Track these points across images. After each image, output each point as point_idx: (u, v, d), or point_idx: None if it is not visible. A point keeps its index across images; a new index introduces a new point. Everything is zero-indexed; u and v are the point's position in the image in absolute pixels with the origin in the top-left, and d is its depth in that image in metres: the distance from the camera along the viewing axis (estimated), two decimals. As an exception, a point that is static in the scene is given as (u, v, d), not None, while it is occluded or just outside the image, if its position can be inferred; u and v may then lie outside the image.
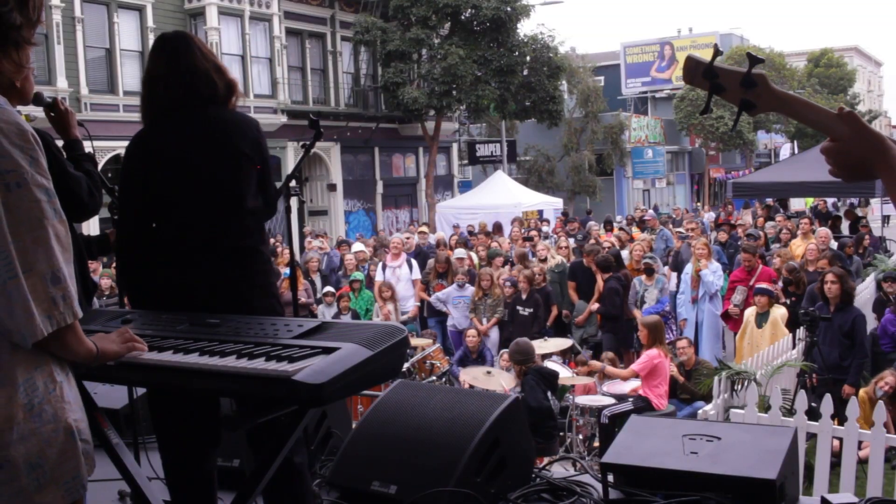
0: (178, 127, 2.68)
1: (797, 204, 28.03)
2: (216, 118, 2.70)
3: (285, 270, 10.06)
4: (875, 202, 25.54)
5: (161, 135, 2.70)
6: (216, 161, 2.65)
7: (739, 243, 13.00)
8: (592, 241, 12.61)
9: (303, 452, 2.80)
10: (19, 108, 2.04)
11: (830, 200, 27.93)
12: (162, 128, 2.72)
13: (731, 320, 10.13)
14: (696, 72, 1.74)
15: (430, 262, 12.04)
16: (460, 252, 12.42)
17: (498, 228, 16.64)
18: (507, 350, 8.52)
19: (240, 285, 2.64)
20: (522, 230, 15.88)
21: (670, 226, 18.17)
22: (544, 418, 6.87)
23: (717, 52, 1.72)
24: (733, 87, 1.71)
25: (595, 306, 10.37)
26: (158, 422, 2.71)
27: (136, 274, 2.73)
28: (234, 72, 20.15)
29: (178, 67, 2.69)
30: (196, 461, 2.68)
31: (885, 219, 21.90)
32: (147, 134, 2.76)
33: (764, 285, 9.05)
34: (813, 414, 5.79)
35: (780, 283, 9.37)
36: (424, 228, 16.85)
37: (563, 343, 8.83)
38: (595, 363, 8.50)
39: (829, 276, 7.61)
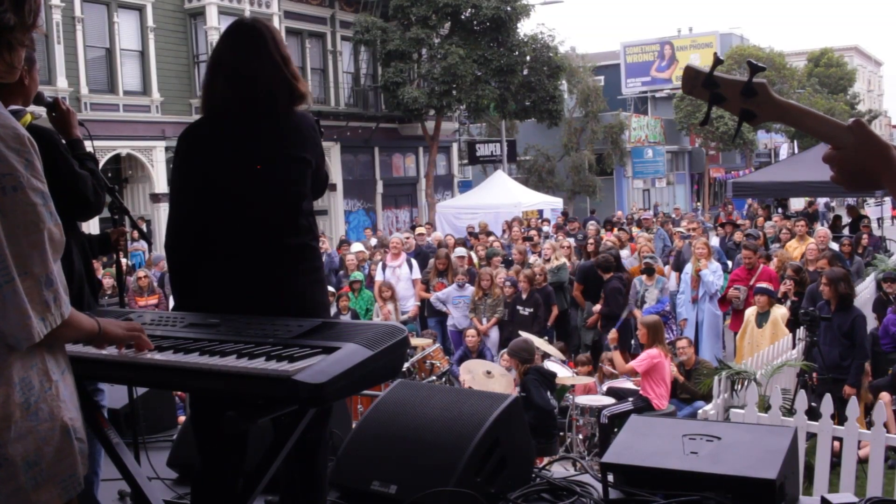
0: (240, 126, 2.62)
1: (797, 204, 28.04)
2: (280, 120, 2.65)
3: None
4: (871, 202, 25.53)
5: (218, 131, 2.64)
6: (279, 164, 2.63)
7: (732, 242, 13.04)
8: (591, 241, 12.57)
9: (317, 429, 2.75)
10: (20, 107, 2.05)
11: (822, 201, 27.98)
12: (220, 123, 2.65)
13: (732, 320, 10.13)
14: (696, 82, 1.71)
15: (431, 261, 12.04)
16: (460, 251, 12.41)
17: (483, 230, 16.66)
18: (505, 350, 8.52)
19: (299, 280, 2.64)
20: (522, 230, 15.88)
21: (669, 225, 18.18)
22: (547, 417, 6.87)
23: (717, 62, 1.68)
24: (734, 97, 1.68)
25: (597, 307, 10.37)
26: (199, 427, 2.68)
27: (190, 272, 2.68)
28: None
29: (245, 63, 2.62)
30: (227, 467, 2.65)
31: (878, 221, 21.93)
32: (203, 128, 2.69)
33: (764, 285, 9.05)
34: (813, 414, 5.79)
35: (790, 282, 9.34)
36: (422, 229, 16.84)
37: (560, 354, 8.82)
38: (616, 354, 8.33)
39: (823, 279, 7.65)
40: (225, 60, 2.67)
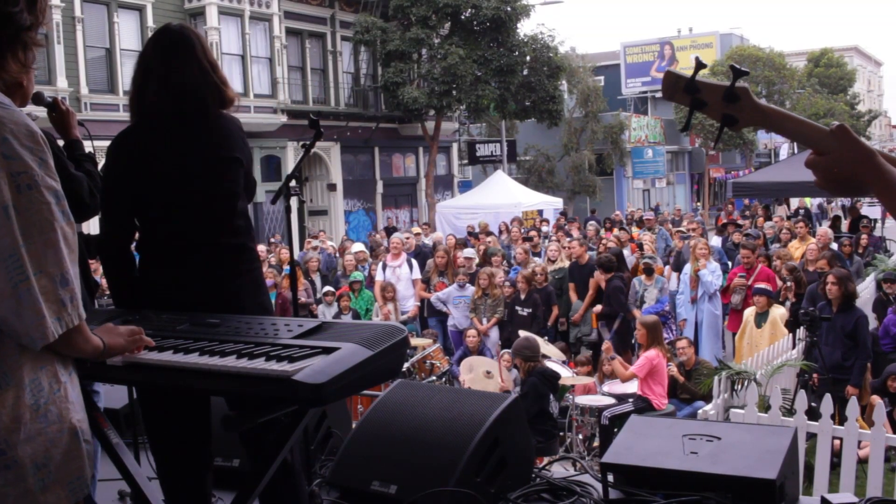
0: (168, 130, 2.65)
1: (797, 204, 28.06)
2: (210, 123, 2.69)
3: (285, 268, 10.05)
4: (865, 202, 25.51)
5: (150, 136, 2.67)
6: (212, 165, 2.66)
7: (731, 243, 13.02)
8: (574, 243, 12.49)
9: (297, 451, 2.81)
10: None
11: (815, 202, 27.98)
12: (151, 129, 2.69)
13: (730, 320, 10.12)
14: (677, 87, 1.67)
15: (430, 262, 12.02)
16: (469, 252, 12.38)
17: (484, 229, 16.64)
18: (507, 350, 8.51)
19: (232, 282, 2.66)
20: (522, 230, 15.86)
21: (669, 225, 18.17)
22: (543, 420, 6.87)
23: (699, 66, 1.64)
24: (715, 102, 1.65)
25: (597, 308, 10.36)
26: (150, 421, 2.70)
27: (124, 274, 2.74)
28: (234, 72, 20.20)
29: (176, 70, 2.65)
30: (188, 460, 2.67)
31: (874, 222, 21.86)
32: (134, 134, 2.72)
33: (763, 285, 9.05)
34: (813, 414, 5.79)
35: (790, 283, 9.34)
36: (419, 229, 16.82)
37: (560, 354, 8.80)
38: (616, 363, 8.35)
39: (830, 278, 7.59)
40: (155, 67, 2.69)
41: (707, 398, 7.28)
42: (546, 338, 9.49)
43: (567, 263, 11.48)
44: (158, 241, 2.68)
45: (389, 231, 18.25)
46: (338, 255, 14.12)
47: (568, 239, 13.61)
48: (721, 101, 1.65)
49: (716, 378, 6.54)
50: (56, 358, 1.82)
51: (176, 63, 2.66)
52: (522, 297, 10.16)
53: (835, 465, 5.70)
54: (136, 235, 2.77)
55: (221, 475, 3.35)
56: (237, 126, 2.78)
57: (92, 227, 13.96)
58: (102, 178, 2.79)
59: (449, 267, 11.50)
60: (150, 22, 19.74)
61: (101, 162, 2.91)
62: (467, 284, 10.75)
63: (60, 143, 3.21)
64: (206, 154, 2.66)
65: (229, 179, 2.69)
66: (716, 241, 14.43)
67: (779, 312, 8.71)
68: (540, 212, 22.36)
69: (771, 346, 7.84)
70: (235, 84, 19.04)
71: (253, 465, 2.42)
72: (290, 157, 21.55)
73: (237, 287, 2.66)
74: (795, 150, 38.83)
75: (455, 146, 29.90)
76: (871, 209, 19.00)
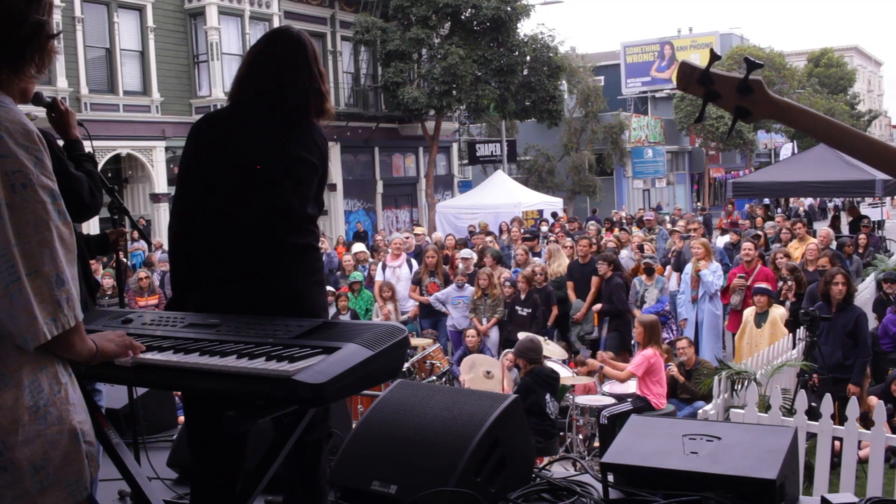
0: (258, 123, 2.66)
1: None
2: (301, 126, 2.70)
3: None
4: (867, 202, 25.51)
5: (238, 125, 2.67)
6: (287, 164, 2.66)
7: (730, 243, 13.02)
8: (584, 241, 12.50)
9: (317, 431, 2.77)
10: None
11: (808, 202, 28.00)
12: (241, 118, 2.69)
13: (730, 320, 10.12)
14: (691, 78, 1.67)
15: (417, 267, 11.83)
16: (466, 252, 12.37)
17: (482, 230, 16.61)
18: (509, 350, 8.51)
19: (298, 282, 2.66)
20: (521, 231, 15.86)
21: (668, 224, 18.17)
22: (541, 420, 6.85)
23: (714, 57, 1.65)
24: (729, 94, 1.65)
25: (596, 306, 10.36)
26: (192, 423, 2.67)
27: (187, 265, 2.70)
28: (234, 71, 20.19)
29: (287, 70, 2.67)
30: (225, 465, 2.64)
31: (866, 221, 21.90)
32: (221, 120, 2.74)
33: (763, 285, 9.05)
34: (813, 414, 5.79)
35: (790, 283, 9.34)
36: (419, 230, 16.81)
37: (560, 354, 8.80)
38: (593, 362, 8.48)
39: (839, 278, 7.54)
40: (264, 60, 2.72)
41: (707, 398, 7.28)
42: (546, 338, 9.48)
43: (565, 262, 11.44)
44: (223, 234, 2.64)
45: (359, 237, 18.34)
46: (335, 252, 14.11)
47: (568, 239, 13.60)
48: (735, 93, 1.64)
49: (716, 378, 6.54)
50: (57, 360, 1.81)
51: (287, 60, 2.69)
52: (522, 297, 10.16)
53: (835, 465, 5.69)
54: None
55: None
56: (324, 138, 2.79)
57: (92, 227, 13.86)
58: (182, 159, 2.75)
59: (438, 267, 11.40)
60: (150, 22, 19.75)
61: (102, 162, 2.91)
62: (466, 284, 10.73)
63: (60, 143, 3.22)
64: (287, 152, 2.66)
65: (303, 182, 2.70)
66: (721, 240, 14.44)
67: (778, 312, 8.71)
68: (540, 212, 22.36)
69: (771, 346, 7.83)
70: (235, 84, 19.02)
71: (288, 472, 2.40)
72: (290, 157, 21.54)
73: (304, 286, 2.67)
74: (795, 151, 38.91)
75: (455, 146, 29.91)
76: (873, 210, 18.98)
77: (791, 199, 26.09)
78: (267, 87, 2.67)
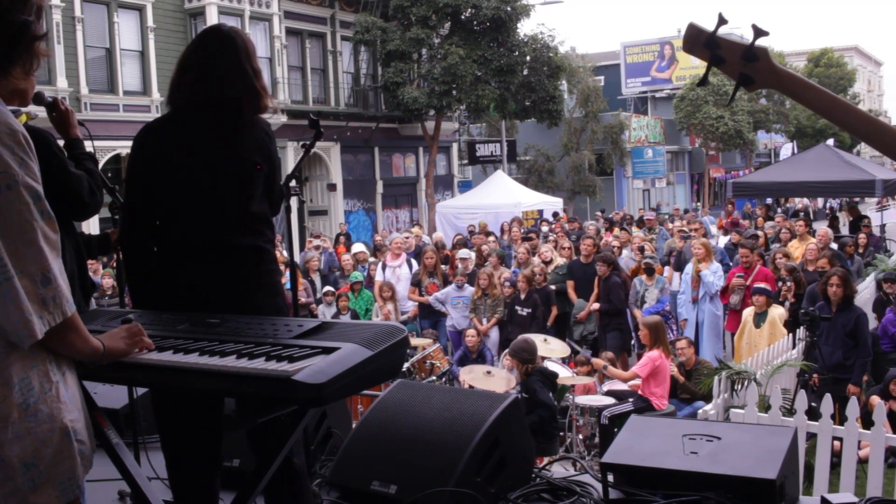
0: (195, 126, 2.67)
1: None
2: (240, 125, 2.70)
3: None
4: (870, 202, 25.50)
5: (176, 130, 2.69)
6: (226, 166, 2.66)
7: (730, 243, 13.01)
8: (588, 241, 12.50)
9: (301, 454, 2.80)
10: (17, 107, 2.05)
11: (805, 202, 27.99)
12: (179, 123, 2.70)
13: (729, 320, 10.12)
14: (698, 40, 1.66)
15: (416, 268, 11.83)
16: (464, 252, 12.37)
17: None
18: (508, 350, 8.50)
19: (245, 283, 2.65)
20: (521, 231, 15.85)
21: (668, 224, 18.17)
22: (551, 418, 6.86)
23: (721, 21, 1.63)
24: (734, 60, 1.64)
25: (595, 305, 10.35)
26: (161, 420, 2.70)
27: (142, 270, 2.73)
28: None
29: (215, 69, 2.67)
30: (198, 461, 2.67)
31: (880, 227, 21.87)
32: (162, 126, 2.74)
33: (762, 285, 9.04)
34: (813, 414, 5.79)
35: (790, 283, 9.33)
36: (417, 230, 16.79)
37: (563, 351, 8.78)
38: (597, 361, 8.44)
39: (834, 280, 7.55)
40: (196, 62, 2.71)
41: (707, 398, 7.27)
42: (546, 338, 9.46)
43: (562, 261, 11.42)
44: (174, 237, 2.68)
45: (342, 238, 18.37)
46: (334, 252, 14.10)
47: (568, 240, 13.59)
48: (740, 60, 1.64)
49: (716, 378, 6.54)
50: (48, 357, 1.82)
51: (217, 62, 2.68)
52: (522, 297, 10.16)
53: (835, 465, 5.69)
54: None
55: (222, 475, 3.34)
56: (266, 133, 2.77)
57: (92, 226, 13.85)
58: (128, 168, 2.78)
59: (437, 267, 11.39)
60: (150, 22, 19.74)
61: (102, 162, 2.92)
62: (465, 285, 10.72)
63: (61, 142, 3.21)
64: (226, 153, 2.66)
65: (244, 181, 2.69)
66: (722, 240, 14.44)
67: (777, 312, 8.71)
68: (540, 212, 22.36)
69: (771, 346, 7.83)
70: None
71: (257, 465, 2.42)
72: (290, 157, 21.54)
73: (251, 287, 2.66)
74: (795, 151, 38.88)
75: (455, 146, 29.90)
76: (885, 213, 18.91)
77: (787, 200, 26.09)
78: (200, 90, 2.66)
